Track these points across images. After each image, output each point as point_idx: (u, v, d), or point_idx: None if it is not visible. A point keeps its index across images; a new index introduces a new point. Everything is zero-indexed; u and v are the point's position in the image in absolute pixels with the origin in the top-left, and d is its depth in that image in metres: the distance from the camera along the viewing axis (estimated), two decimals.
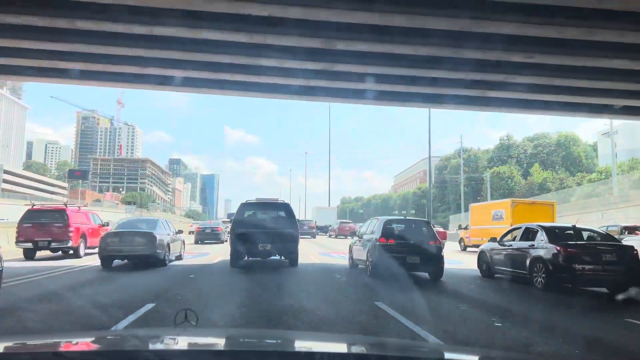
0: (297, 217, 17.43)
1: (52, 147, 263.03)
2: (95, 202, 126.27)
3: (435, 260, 13.49)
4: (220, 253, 21.57)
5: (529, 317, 8.74)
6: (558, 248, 11.59)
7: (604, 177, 55.79)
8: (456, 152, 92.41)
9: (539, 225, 13.19)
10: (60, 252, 19.97)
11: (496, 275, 14.38)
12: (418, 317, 7.91)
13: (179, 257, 18.81)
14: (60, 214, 19.59)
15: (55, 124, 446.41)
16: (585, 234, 12.99)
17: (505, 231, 21.48)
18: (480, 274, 15.06)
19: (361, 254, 14.99)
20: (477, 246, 26.45)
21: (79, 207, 22.46)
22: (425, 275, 13.85)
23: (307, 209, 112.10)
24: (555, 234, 12.47)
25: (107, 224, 22.86)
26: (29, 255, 19.15)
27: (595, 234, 13.23)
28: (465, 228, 31.69)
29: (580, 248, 11.66)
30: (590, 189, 48.52)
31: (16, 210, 28.04)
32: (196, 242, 32.12)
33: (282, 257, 16.61)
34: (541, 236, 12.51)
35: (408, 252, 13.25)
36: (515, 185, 77.83)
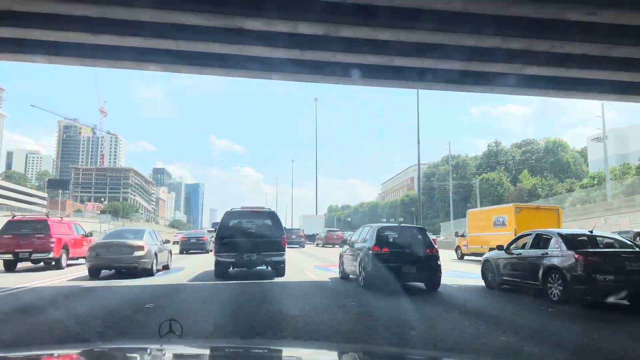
0: (284, 225, 17.05)
1: (33, 157, 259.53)
2: (77, 213, 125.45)
3: (432, 270, 12.76)
4: (198, 267, 20.00)
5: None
6: (577, 256, 10.57)
7: (596, 182, 55.78)
8: (444, 159, 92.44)
9: (555, 232, 12.17)
10: (42, 264, 19.07)
11: (503, 287, 13.28)
12: None
13: (166, 267, 18.78)
14: (41, 224, 18.90)
15: (36, 134, 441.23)
16: (602, 241, 12.06)
17: (508, 238, 20.59)
18: (484, 285, 14.03)
19: (353, 264, 14.14)
20: (476, 254, 25.63)
21: (61, 217, 21.61)
22: (421, 285, 13.04)
23: (294, 217, 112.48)
24: (572, 241, 11.40)
25: (91, 235, 22.28)
26: (9, 267, 18.35)
27: (613, 241, 12.39)
28: (462, 235, 30.22)
29: (601, 256, 10.73)
30: (584, 194, 48.39)
31: None
32: (181, 252, 31.76)
33: (269, 267, 16.02)
34: (556, 243, 11.47)
35: (403, 261, 12.48)
36: (505, 191, 78.07)
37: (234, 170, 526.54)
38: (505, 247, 13.51)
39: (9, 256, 18.16)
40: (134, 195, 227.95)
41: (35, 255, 18.19)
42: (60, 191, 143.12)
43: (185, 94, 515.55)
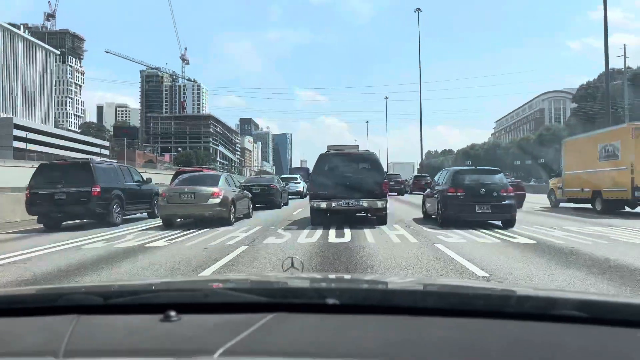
0: None
1: (122, 110, 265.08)
2: (148, 164, 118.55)
3: (506, 209, 13.68)
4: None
5: None
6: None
7: None
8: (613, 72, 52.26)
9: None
10: None
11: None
12: None
13: (247, 215, 18.05)
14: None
15: (123, 88, 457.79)
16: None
17: (620, 176, 17.95)
18: None
19: (433, 205, 15.48)
20: (575, 200, 20.72)
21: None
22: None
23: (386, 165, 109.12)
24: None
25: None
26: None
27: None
28: (558, 175, 23.01)
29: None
30: None
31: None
32: None
33: (369, 215, 15.68)
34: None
35: (478, 201, 13.70)
36: None
37: (319, 121, 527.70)
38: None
39: None
40: (216, 145, 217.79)
41: None
42: (126, 140, 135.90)
43: (272, 47, 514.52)
